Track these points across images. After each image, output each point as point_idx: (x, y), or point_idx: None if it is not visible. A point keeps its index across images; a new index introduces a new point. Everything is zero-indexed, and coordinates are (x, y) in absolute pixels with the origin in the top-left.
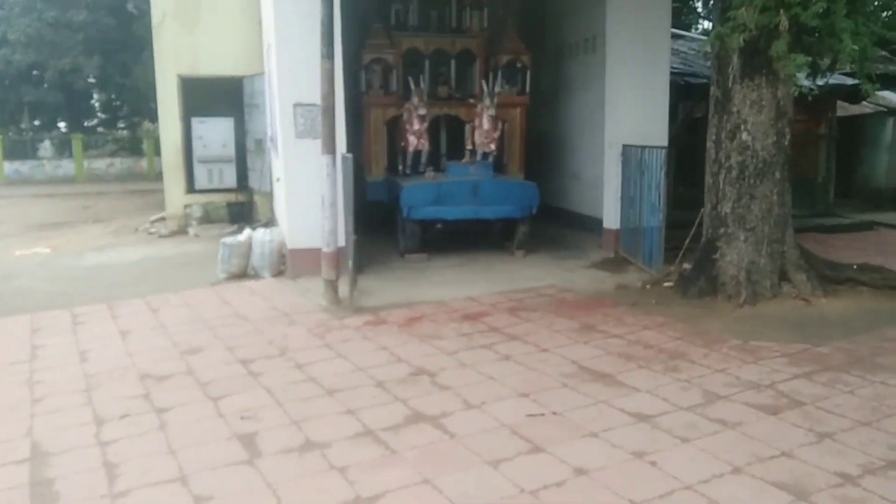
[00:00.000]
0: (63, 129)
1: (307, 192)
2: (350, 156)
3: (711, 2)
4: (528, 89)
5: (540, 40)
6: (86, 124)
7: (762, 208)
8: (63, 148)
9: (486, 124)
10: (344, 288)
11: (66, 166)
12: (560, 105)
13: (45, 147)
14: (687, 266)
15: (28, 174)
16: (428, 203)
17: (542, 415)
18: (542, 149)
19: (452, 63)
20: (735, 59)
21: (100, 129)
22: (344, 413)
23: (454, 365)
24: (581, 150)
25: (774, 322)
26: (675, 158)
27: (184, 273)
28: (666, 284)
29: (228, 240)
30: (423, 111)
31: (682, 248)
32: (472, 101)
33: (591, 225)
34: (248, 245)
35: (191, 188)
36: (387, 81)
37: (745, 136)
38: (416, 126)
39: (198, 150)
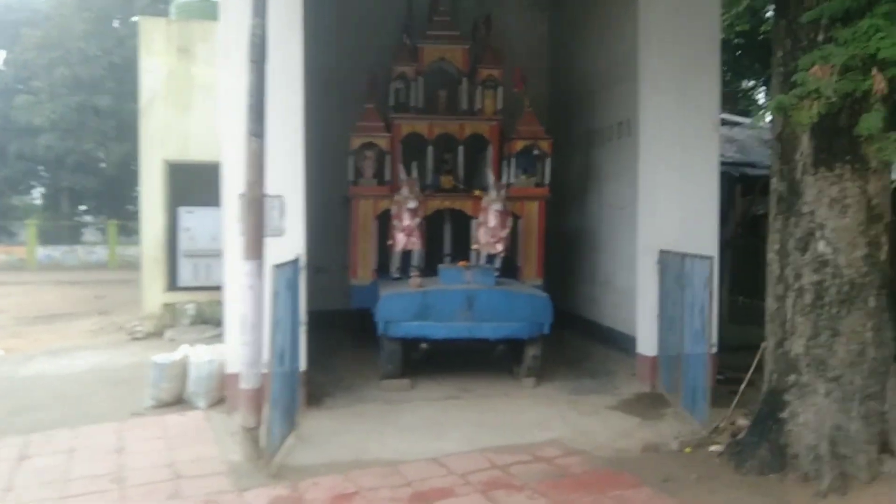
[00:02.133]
0: (97, 216)
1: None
2: (298, 260)
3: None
4: (547, 180)
5: (565, 124)
6: (130, 209)
7: (850, 350)
8: (100, 233)
9: (491, 220)
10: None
11: (100, 252)
12: (588, 199)
13: (87, 232)
14: (743, 422)
15: (60, 259)
16: (410, 317)
17: None
18: (567, 249)
19: (460, 150)
20: (805, 141)
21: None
22: None
23: None
24: (613, 252)
25: None
26: (732, 263)
27: (115, 394)
28: (713, 448)
29: (160, 358)
30: (413, 204)
31: (738, 392)
32: (477, 193)
33: (624, 343)
34: (185, 366)
35: (173, 285)
36: (381, 169)
37: (822, 246)
38: (406, 221)
39: (184, 243)
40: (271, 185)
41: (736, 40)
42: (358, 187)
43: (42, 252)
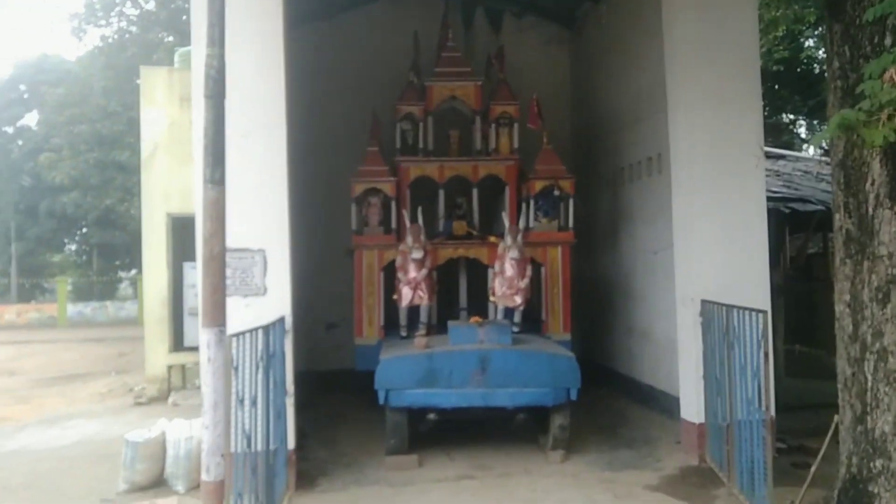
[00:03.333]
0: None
1: (244, 373)
2: (282, 321)
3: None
4: (571, 223)
5: (592, 162)
6: None
7: None
8: (133, 288)
9: (508, 269)
10: None
11: (130, 308)
12: (620, 242)
13: (122, 288)
14: None
15: (91, 316)
16: (414, 383)
17: None
18: (600, 298)
19: (474, 193)
20: (877, 167)
21: None
22: None
23: None
24: (650, 301)
25: None
26: (785, 309)
27: (93, 473)
28: None
29: (135, 435)
30: (418, 254)
31: (808, 474)
32: (493, 239)
33: (667, 404)
34: (162, 444)
35: (179, 345)
36: (387, 217)
37: None
38: (412, 273)
39: (189, 301)
40: (252, 238)
41: (775, 68)
42: (361, 237)
43: (73, 309)
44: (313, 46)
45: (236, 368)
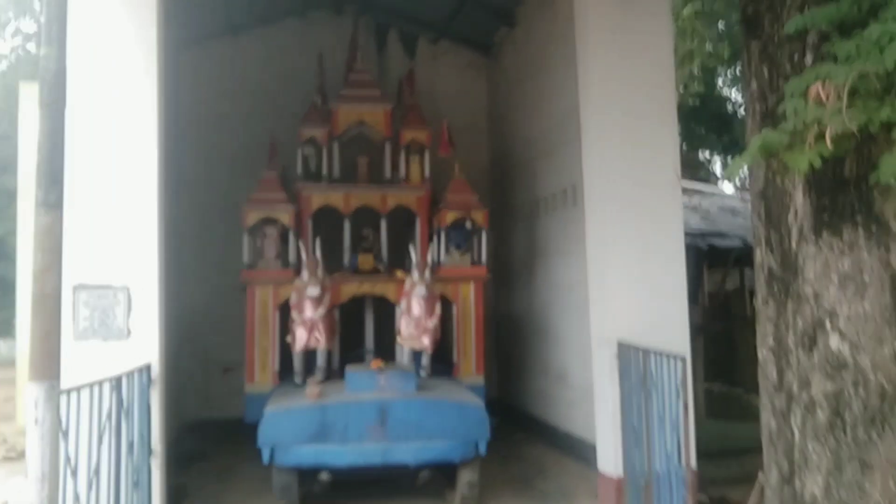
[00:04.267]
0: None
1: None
2: (147, 370)
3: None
4: (484, 257)
5: (508, 193)
6: None
7: (890, 489)
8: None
9: (415, 308)
10: None
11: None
12: (536, 278)
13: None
14: None
15: None
16: (304, 439)
17: None
18: (515, 337)
19: (382, 223)
20: (800, 197)
21: None
22: None
23: None
24: (566, 340)
25: None
26: (704, 348)
27: None
28: None
29: None
30: (315, 291)
31: None
32: (399, 274)
33: (584, 452)
34: None
35: None
36: (285, 250)
37: (835, 342)
38: (308, 313)
39: None
40: (114, 274)
41: (691, 102)
42: (254, 271)
43: None
44: (217, 65)
45: (66, 432)
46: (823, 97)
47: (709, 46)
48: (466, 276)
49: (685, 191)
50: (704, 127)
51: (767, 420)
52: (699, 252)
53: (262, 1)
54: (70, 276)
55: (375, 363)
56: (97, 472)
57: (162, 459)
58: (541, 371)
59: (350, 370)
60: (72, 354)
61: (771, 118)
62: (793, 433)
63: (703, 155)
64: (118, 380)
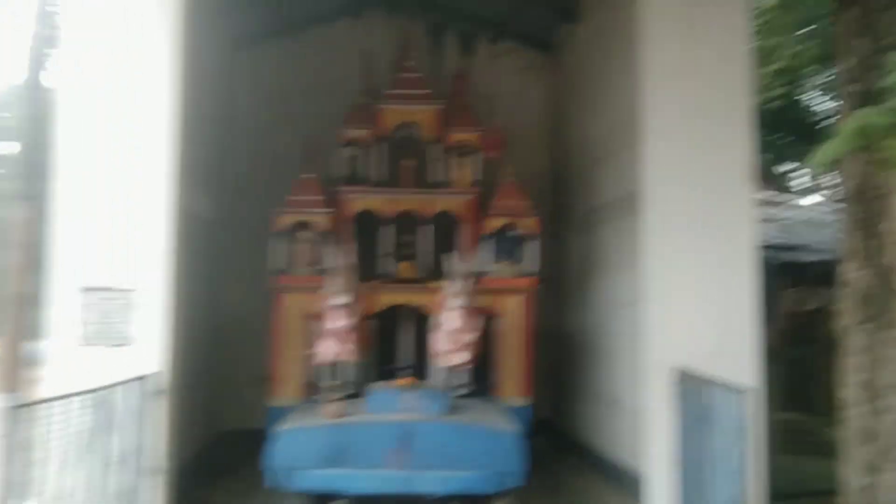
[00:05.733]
0: None
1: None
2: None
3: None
4: (534, 268)
5: (565, 199)
6: None
7: None
8: None
9: (453, 321)
10: None
11: None
12: (589, 292)
13: None
14: None
15: None
16: (318, 462)
17: None
18: (567, 356)
19: (426, 230)
20: None
21: None
22: None
23: None
24: (621, 363)
25: None
26: (780, 374)
27: None
28: None
29: None
30: (342, 299)
31: None
32: (435, 284)
33: (632, 485)
34: None
35: None
36: (320, 256)
37: None
38: (336, 323)
39: None
40: (115, 276)
41: (770, 105)
42: (283, 277)
43: None
44: (273, 65)
45: (33, 449)
46: None
47: (795, 45)
48: (513, 288)
49: (761, 202)
50: (785, 134)
51: (848, 477)
52: (776, 268)
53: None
54: (71, 276)
55: (403, 381)
56: (72, 492)
57: (171, 475)
58: (592, 396)
59: (372, 388)
60: (73, 359)
61: (871, 100)
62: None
63: (785, 166)
64: (108, 389)
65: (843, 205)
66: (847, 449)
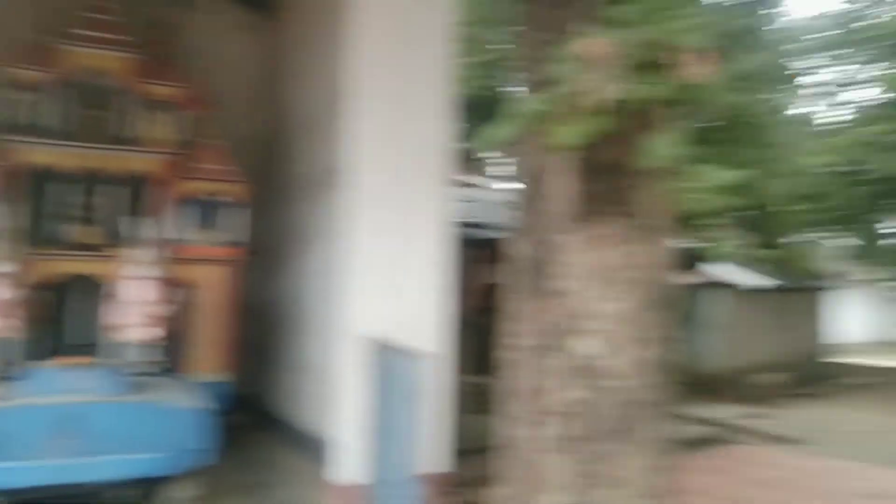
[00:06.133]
0: None
1: None
2: None
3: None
4: (238, 237)
5: (275, 167)
6: None
7: None
8: None
9: (132, 293)
10: None
11: None
12: (292, 263)
13: None
14: None
15: None
16: None
17: None
18: (267, 329)
19: (117, 191)
20: (562, 183)
21: None
22: None
23: None
24: (317, 333)
25: None
26: (468, 342)
27: None
28: None
29: None
30: (4, 267)
31: None
32: (116, 252)
33: (323, 453)
34: None
35: None
36: None
37: (585, 344)
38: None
39: None
40: None
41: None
42: None
43: None
44: None
45: None
46: (599, 53)
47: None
48: (214, 258)
49: (459, 183)
50: (482, 121)
51: (501, 430)
52: (472, 244)
53: None
54: None
55: (75, 359)
56: None
57: None
58: (288, 368)
59: (31, 368)
60: None
61: (541, 88)
62: (529, 445)
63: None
64: None
65: (518, 185)
66: (498, 405)
